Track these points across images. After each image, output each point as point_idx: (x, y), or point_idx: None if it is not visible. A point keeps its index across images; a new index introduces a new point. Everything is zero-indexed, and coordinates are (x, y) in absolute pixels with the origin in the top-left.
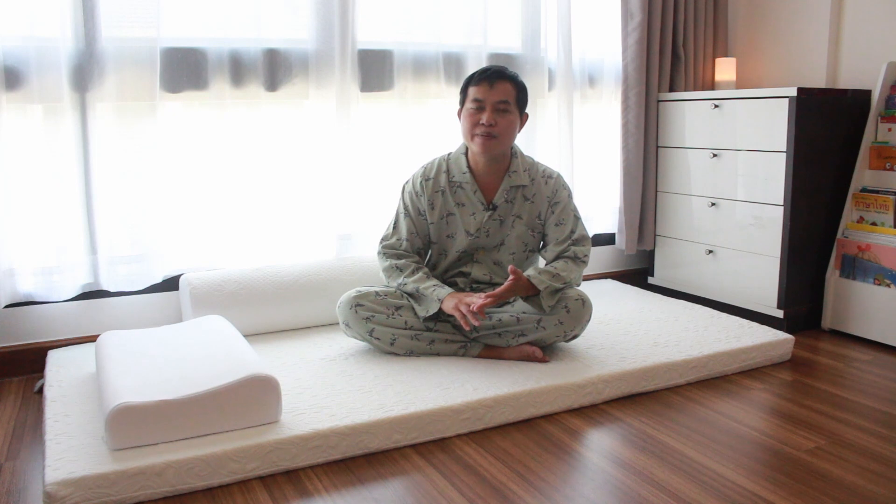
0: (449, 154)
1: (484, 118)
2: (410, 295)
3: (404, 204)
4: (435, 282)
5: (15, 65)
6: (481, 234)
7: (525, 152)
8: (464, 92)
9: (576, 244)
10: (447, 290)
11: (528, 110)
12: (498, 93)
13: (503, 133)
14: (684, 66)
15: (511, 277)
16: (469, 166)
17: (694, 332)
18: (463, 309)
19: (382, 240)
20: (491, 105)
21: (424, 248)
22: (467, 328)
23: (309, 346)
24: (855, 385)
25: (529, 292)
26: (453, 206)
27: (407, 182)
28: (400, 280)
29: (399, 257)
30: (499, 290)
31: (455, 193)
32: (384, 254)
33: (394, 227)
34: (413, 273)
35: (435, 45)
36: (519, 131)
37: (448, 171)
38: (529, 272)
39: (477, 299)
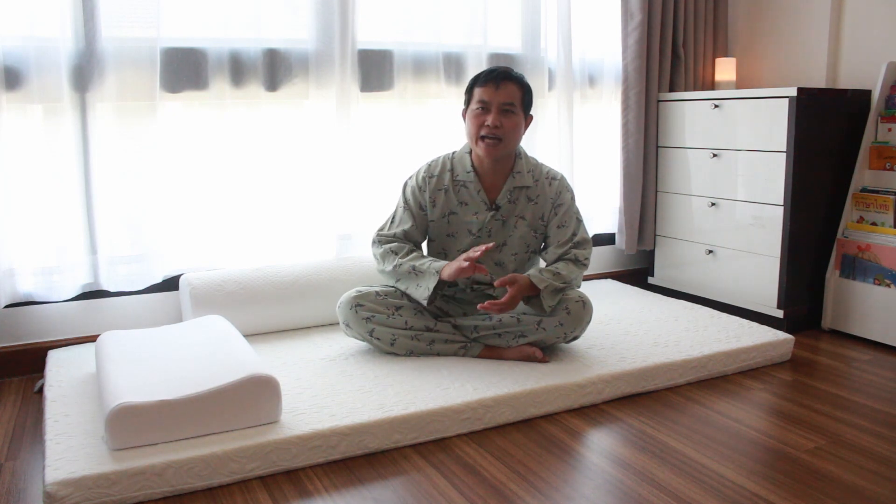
0: (454, 153)
1: (489, 119)
2: (406, 283)
3: (405, 198)
4: (431, 258)
5: (15, 65)
6: (484, 234)
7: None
8: (469, 93)
9: (577, 247)
10: (443, 262)
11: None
12: (503, 94)
13: (508, 135)
14: (684, 66)
15: (509, 290)
16: (473, 166)
17: (694, 332)
18: (464, 265)
19: (379, 230)
20: (496, 106)
21: (421, 244)
22: (472, 273)
23: (309, 346)
24: (855, 385)
25: (531, 292)
26: (456, 206)
27: (410, 177)
28: (395, 262)
29: (394, 242)
30: (503, 299)
31: (458, 192)
32: (379, 241)
33: (392, 220)
34: (408, 253)
35: (435, 45)
36: (524, 133)
37: (452, 170)
38: (531, 272)
39: (472, 255)
